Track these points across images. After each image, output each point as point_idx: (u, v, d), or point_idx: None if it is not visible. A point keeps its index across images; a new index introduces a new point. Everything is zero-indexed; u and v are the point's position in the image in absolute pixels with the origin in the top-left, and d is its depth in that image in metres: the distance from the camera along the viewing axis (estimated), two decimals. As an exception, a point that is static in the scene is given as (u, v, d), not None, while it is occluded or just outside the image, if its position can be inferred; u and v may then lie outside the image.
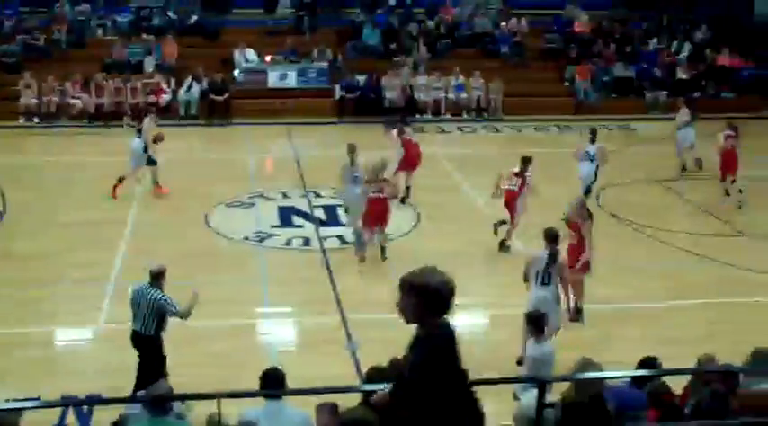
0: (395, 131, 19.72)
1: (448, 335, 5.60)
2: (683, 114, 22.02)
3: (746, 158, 20.14)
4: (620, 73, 28.77)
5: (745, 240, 17.44)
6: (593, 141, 18.95)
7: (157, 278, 10.89)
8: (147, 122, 19.53)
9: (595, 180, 18.75)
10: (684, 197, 19.92)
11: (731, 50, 29.57)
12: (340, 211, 18.07)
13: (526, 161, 16.34)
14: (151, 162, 19.13)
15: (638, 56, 29.50)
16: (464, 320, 14.31)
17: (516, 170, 16.42)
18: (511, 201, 16.33)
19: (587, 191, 18.34)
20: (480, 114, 27.26)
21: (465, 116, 27.18)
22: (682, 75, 28.90)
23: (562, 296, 12.51)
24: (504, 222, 16.43)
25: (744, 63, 29.51)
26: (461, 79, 27.36)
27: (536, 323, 10.10)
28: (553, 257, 12.01)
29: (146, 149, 18.95)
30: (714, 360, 8.74)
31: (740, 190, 19.42)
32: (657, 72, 28.87)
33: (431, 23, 29.61)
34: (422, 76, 27.36)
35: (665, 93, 28.05)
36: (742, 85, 29.14)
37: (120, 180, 18.81)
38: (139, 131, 19.38)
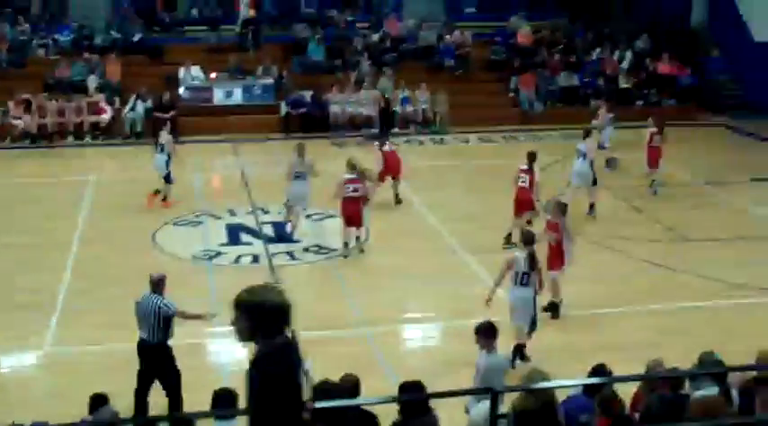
0: (376, 144, 20.40)
1: (283, 355, 5.49)
2: (603, 116, 23.25)
3: (687, 163, 20.47)
4: (564, 82, 29.05)
5: (689, 244, 17.63)
6: (585, 138, 19.51)
7: (158, 285, 11.11)
8: (165, 135, 19.82)
9: (594, 175, 19.18)
10: (631, 203, 20.09)
11: (671, 58, 30.00)
12: (289, 227, 18.06)
13: (532, 156, 17.01)
14: (168, 179, 19.48)
15: (582, 65, 29.80)
16: (415, 333, 14.41)
17: (524, 167, 16.96)
18: (525, 198, 16.79)
19: (594, 182, 19.12)
20: (426, 126, 27.34)
21: (411, 129, 27.23)
22: (624, 83, 29.25)
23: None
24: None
25: (683, 70, 29.93)
26: (407, 92, 27.43)
27: (486, 334, 10.08)
28: (531, 257, 12.41)
29: (168, 163, 19.33)
30: (662, 365, 8.83)
31: (653, 181, 20.52)
32: (600, 81, 29.17)
33: (375, 37, 29.66)
34: (366, 91, 27.35)
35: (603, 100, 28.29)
36: (682, 93, 29.57)
37: (156, 192, 19.33)
38: (161, 146, 19.57)
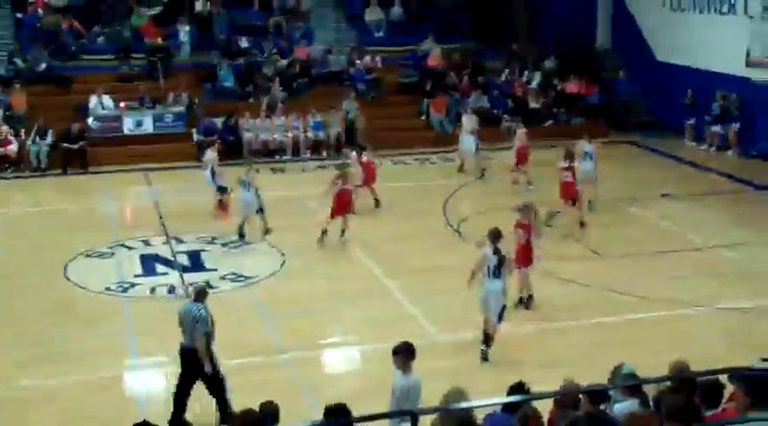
0: (354, 154, 21.58)
1: None
2: (470, 120, 25.10)
3: (599, 181, 20.87)
4: (474, 104, 29.36)
5: (605, 261, 17.94)
6: (589, 142, 21.21)
7: (200, 295, 11.81)
8: (209, 153, 21.18)
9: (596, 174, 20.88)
10: (545, 222, 20.35)
11: (578, 79, 30.63)
12: (207, 255, 17.95)
13: (570, 154, 19.21)
14: (222, 189, 20.58)
15: (491, 86, 30.20)
16: (336, 358, 14.36)
17: (565, 165, 19.06)
18: (570, 190, 19.05)
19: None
20: (340, 151, 27.35)
21: (324, 154, 27.24)
22: (533, 103, 29.73)
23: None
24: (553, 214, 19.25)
25: (590, 90, 30.58)
26: (319, 117, 27.45)
27: (405, 354, 10.11)
28: (499, 252, 13.28)
29: (214, 177, 20.52)
30: (574, 382, 8.92)
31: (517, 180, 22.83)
32: (510, 102, 29.60)
33: (286, 63, 29.62)
34: (278, 116, 27.29)
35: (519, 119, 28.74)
36: (590, 111, 30.20)
37: (221, 203, 20.51)
38: (204, 164, 20.91)
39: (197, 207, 21.58)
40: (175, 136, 26.98)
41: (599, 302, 15.81)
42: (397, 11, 32.78)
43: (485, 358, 13.25)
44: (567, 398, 8.35)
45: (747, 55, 21.69)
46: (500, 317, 13.44)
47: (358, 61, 30.06)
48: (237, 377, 12.83)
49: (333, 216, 18.65)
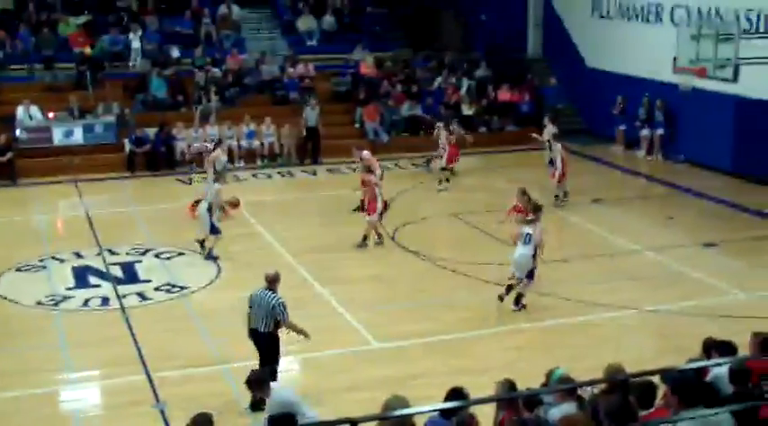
0: (365, 152, 21.27)
1: None
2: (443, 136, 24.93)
3: (531, 187, 21.06)
4: (407, 112, 29.53)
5: (539, 266, 18.10)
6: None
7: (273, 282, 12.29)
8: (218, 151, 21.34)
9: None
10: (481, 229, 20.53)
11: (510, 86, 30.96)
12: (141, 266, 17.76)
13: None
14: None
15: (424, 94, 30.38)
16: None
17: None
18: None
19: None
20: (274, 160, 27.31)
21: (259, 163, 27.15)
22: (467, 111, 29.96)
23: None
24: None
25: (522, 98, 30.92)
26: (252, 126, 27.36)
27: (257, 386, 10.24)
28: (532, 222, 15.54)
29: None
30: (513, 386, 9.02)
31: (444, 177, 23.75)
32: (443, 110, 29.78)
33: (218, 72, 29.47)
34: (211, 126, 27.13)
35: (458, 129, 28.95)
36: (522, 119, 30.54)
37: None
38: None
39: (130, 217, 21.39)
40: (106, 146, 26.66)
41: (533, 306, 15.95)
42: (329, 19, 32.82)
43: (501, 299, 15.59)
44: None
45: (674, 63, 22.08)
46: (530, 276, 15.49)
47: (291, 69, 30.01)
48: (174, 389, 12.75)
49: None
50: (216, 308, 16.01)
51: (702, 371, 8.93)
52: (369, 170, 19.45)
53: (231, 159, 26.83)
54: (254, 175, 25.95)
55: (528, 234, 15.42)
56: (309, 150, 27.64)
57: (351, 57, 31.32)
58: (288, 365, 14.24)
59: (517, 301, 15.64)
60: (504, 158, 26.89)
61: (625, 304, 16.03)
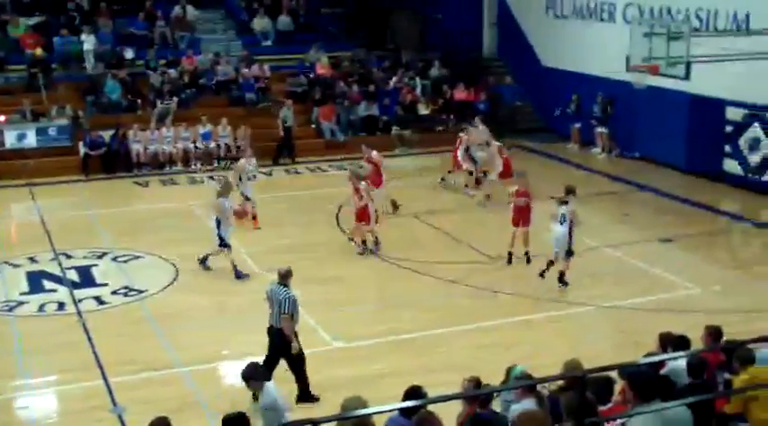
0: (374, 153, 21.16)
1: None
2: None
3: (491, 183, 21.21)
4: (364, 112, 29.52)
5: (499, 264, 18.22)
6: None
7: (285, 277, 12.47)
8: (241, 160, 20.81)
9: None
10: (440, 228, 20.59)
11: (466, 86, 31.08)
12: (98, 270, 17.58)
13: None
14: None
15: (380, 94, 30.39)
16: (232, 370, 14.17)
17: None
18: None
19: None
20: (230, 161, 27.15)
21: (215, 164, 27.00)
22: (423, 110, 30.03)
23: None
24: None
25: (478, 97, 31.05)
26: (208, 127, 27.19)
27: (251, 378, 10.24)
28: (566, 203, 16.62)
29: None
30: (479, 383, 9.08)
31: (442, 178, 23.91)
32: (400, 109, 29.82)
33: (173, 73, 29.27)
34: (167, 128, 26.94)
35: (408, 130, 29.01)
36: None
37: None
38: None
39: (85, 221, 21.19)
40: (60, 149, 26.37)
41: (488, 304, 16.05)
42: (284, 19, 32.70)
43: (542, 275, 16.84)
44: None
45: (628, 61, 22.29)
46: (568, 254, 16.46)
47: (246, 70, 29.88)
48: (132, 393, 12.65)
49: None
50: (174, 311, 15.91)
51: (659, 365, 9.04)
52: (359, 178, 19.05)
53: (187, 161, 26.71)
54: (211, 177, 25.80)
55: (563, 214, 16.47)
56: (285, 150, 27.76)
57: (306, 57, 31.23)
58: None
59: (561, 278, 16.68)
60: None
61: (583, 300, 16.17)
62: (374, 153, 21.07)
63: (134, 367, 13.47)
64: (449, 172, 23.85)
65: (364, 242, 18.85)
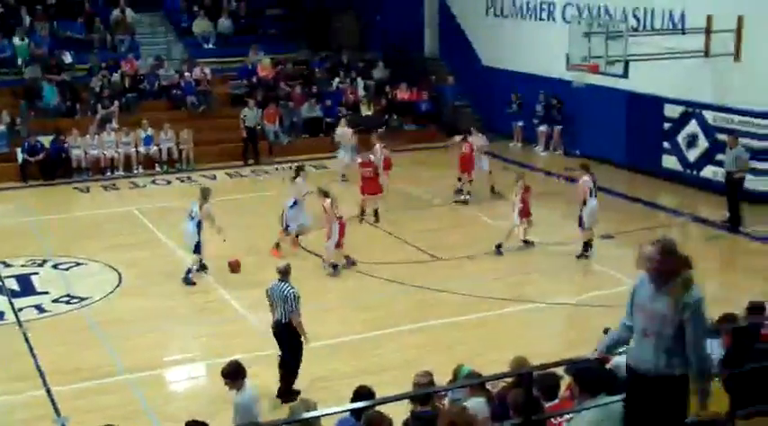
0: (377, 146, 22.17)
1: None
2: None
3: (431, 185, 21.32)
4: (307, 114, 29.46)
5: (441, 263, 18.30)
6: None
7: (285, 274, 12.70)
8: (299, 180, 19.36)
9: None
10: (382, 229, 20.62)
11: (409, 86, 31.18)
12: (38, 278, 17.37)
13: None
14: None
15: (323, 95, 30.34)
16: (178, 376, 14.12)
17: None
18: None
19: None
20: (173, 165, 26.94)
21: (158, 169, 26.75)
22: (366, 111, 30.05)
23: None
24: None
25: (421, 97, 31.17)
26: (150, 132, 26.93)
27: (232, 376, 10.18)
28: (594, 179, 18.34)
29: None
30: (432, 381, 9.10)
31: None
32: (343, 110, 29.81)
33: (115, 77, 28.94)
34: (108, 133, 26.61)
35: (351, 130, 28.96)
36: (421, 117, 30.80)
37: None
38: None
39: (25, 228, 20.88)
40: (-2, 156, 25.94)
41: (436, 303, 16.10)
42: (225, 22, 32.52)
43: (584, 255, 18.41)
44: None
45: (567, 60, 22.56)
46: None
47: (188, 74, 29.65)
48: (76, 402, 12.49)
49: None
50: (118, 318, 15.73)
51: (604, 360, 9.12)
52: (325, 194, 18.40)
53: (129, 166, 26.42)
54: (153, 182, 25.57)
55: (591, 188, 18.12)
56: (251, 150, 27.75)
57: (248, 59, 31.07)
58: (193, 372, 14.15)
59: (586, 247, 18.34)
60: (405, 157, 26.98)
61: (530, 297, 16.31)
62: (377, 146, 22.32)
63: (78, 375, 13.30)
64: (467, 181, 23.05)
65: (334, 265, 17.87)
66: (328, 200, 17.73)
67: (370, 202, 20.90)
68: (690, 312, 6.48)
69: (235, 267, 17.83)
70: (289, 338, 12.56)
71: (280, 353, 12.70)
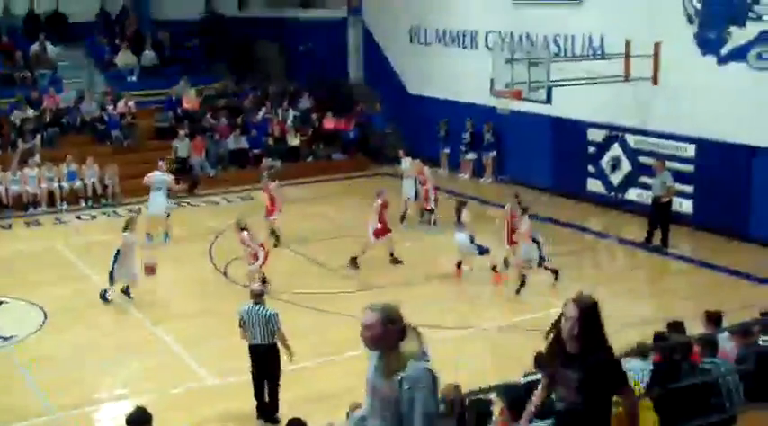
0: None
1: None
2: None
3: (363, 213, 21.30)
4: (233, 145, 29.34)
5: (380, 290, 18.28)
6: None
7: (259, 296, 12.71)
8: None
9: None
10: (311, 258, 20.57)
11: (335, 114, 31.29)
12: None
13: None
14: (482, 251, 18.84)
15: (249, 126, 30.25)
16: (108, 413, 13.86)
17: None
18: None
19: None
20: (98, 201, 26.57)
21: (82, 204, 26.35)
22: (293, 141, 30.04)
23: None
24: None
25: (347, 126, 31.29)
26: (74, 166, 26.52)
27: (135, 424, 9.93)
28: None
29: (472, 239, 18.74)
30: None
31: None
32: (270, 141, 29.76)
33: (36, 112, 28.51)
34: (30, 168, 26.15)
35: (279, 161, 28.95)
36: (349, 146, 30.89)
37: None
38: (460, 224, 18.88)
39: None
40: None
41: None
42: (149, 54, 32.30)
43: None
44: None
45: (491, 86, 22.84)
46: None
47: (111, 107, 29.35)
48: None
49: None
50: (44, 355, 15.41)
51: (535, 384, 9.20)
52: (241, 228, 18.09)
53: (53, 201, 25.98)
54: (77, 217, 25.18)
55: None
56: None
57: (173, 91, 30.86)
58: (123, 408, 13.89)
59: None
60: (332, 186, 27.05)
61: (460, 323, 16.36)
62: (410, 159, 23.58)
63: (5, 416, 12.98)
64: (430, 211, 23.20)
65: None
66: (245, 233, 17.61)
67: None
68: (409, 390, 5.65)
69: (149, 271, 18.11)
70: (272, 359, 12.66)
71: (253, 378, 12.74)
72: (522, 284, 17.81)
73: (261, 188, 21.59)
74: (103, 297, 17.71)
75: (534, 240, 18.01)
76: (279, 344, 12.74)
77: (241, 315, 12.70)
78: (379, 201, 19.60)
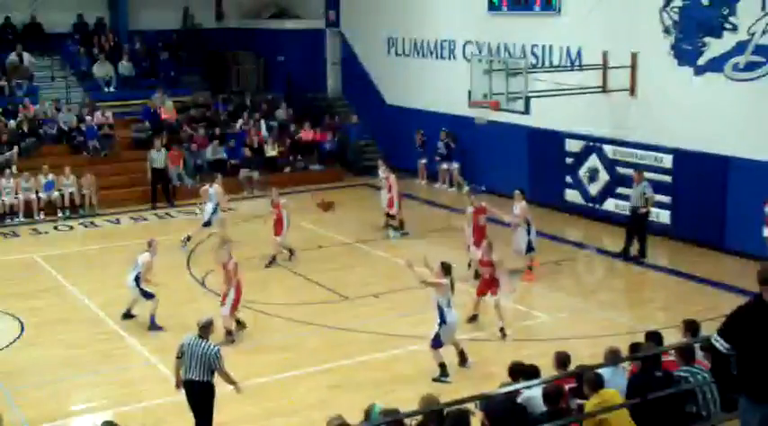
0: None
1: None
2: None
3: (337, 224, 21.30)
4: (211, 156, 29.28)
5: (350, 302, 18.27)
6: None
7: (206, 329, 11.85)
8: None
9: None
10: (288, 269, 20.53)
11: (312, 125, 31.30)
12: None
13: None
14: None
15: (227, 137, 30.18)
16: (85, 424, 13.76)
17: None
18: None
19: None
20: (75, 211, 26.43)
21: (60, 215, 26.21)
22: (270, 152, 30.00)
23: None
24: None
25: (324, 136, 31.29)
26: (51, 177, 26.38)
27: None
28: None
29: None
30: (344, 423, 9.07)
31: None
32: (247, 151, 29.70)
33: (12, 123, 28.35)
34: (7, 178, 25.99)
35: (257, 172, 28.91)
36: (326, 157, 30.89)
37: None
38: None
39: None
40: None
41: (346, 343, 16.05)
42: (126, 65, 32.21)
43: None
44: None
45: (469, 97, 22.90)
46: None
47: (89, 117, 29.23)
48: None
49: None
50: (20, 368, 15.30)
51: (514, 394, 9.22)
52: (224, 242, 18.08)
53: (30, 212, 25.82)
54: (55, 228, 25.04)
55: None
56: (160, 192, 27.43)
57: (150, 102, 30.77)
58: (98, 421, 13.79)
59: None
60: (309, 198, 27.00)
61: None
62: (381, 169, 23.51)
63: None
64: (392, 217, 23.32)
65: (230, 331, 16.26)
66: (233, 261, 16.36)
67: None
68: None
69: (327, 207, 19.66)
70: (206, 398, 11.86)
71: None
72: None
73: (272, 204, 21.24)
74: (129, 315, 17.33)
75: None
76: (215, 383, 11.99)
77: (182, 344, 11.92)
78: (471, 210, 19.79)
